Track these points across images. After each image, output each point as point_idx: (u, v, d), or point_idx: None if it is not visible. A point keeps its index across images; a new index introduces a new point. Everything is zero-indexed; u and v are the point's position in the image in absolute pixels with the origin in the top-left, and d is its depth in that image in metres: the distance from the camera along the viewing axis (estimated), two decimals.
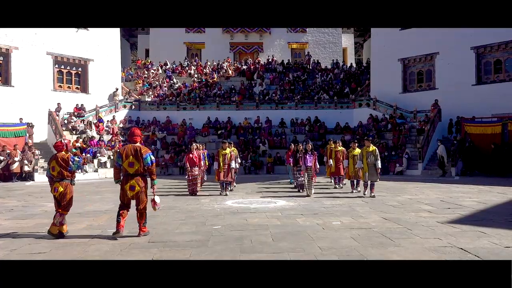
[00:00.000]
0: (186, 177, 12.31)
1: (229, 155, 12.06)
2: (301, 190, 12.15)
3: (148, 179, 6.50)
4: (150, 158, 6.36)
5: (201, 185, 13.48)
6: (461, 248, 5.47)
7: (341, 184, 13.52)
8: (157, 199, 6.57)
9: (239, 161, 14.71)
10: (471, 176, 17.35)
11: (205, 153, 14.75)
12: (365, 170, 11.09)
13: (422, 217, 7.96)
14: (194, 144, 12.87)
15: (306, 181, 11.42)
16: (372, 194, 10.99)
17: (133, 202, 6.50)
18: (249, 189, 13.67)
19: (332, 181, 14.17)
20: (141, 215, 6.44)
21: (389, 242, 5.90)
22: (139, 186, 6.30)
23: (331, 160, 13.39)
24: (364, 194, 11.34)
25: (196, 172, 12.13)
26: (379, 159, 11.21)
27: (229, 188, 12.54)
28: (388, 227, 6.98)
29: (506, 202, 10.01)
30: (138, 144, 6.44)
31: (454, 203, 9.70)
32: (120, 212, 6.38)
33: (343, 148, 13.57)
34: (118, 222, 6.37)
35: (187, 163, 12.23)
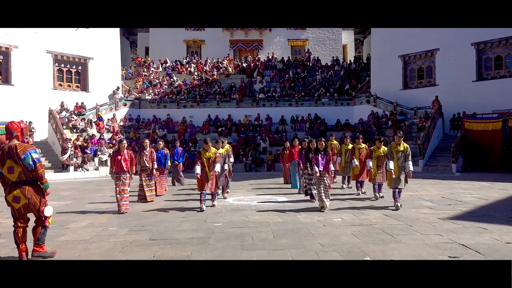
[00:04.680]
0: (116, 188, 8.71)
1: (214, 157, 9.00)
2: (313, 200, 9.48)
3: None
4: (32, 157, 4.85)
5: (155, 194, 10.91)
6: (462, 244, 5.47)
7: (363, 190, 11.13)
8: (47, 211, 5.06)
9: (232, 160, 11.30)
10: (472, 172, 17.34)
11: (179, 151, 13.37)
12: (396, 174, 8.63)
13: (423, 213, 7.96)
14: (123, 141, 9.05)
15: (320, 190, 8.61)
16: (397, 204, 8.61)
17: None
18: (249, 186, 13.67)
19: (353, 185, 11.99)
20: (35, 230, 5.08)
21: (390, 239, 5.90)
22: (25, 196, 4.87)
23: (355, 160, 11.09)
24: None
25: (127, 181, 8.77)
26: (411, 159, 8.69)
27: (216, 199, 9.61)
28: (389, 224, 6.99)
29: (507, 198, 10.01)
30: (15, 142, 4.94)
31: (455, 199, 9.70)
32: (16, 231, 4.98)
33: (366, 145, 11.42)
34: (17, 245, 5.01)
35: (113, 167, 8.82)
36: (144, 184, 10.10)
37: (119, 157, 8.73)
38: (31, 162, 4.84)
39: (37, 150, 5.15)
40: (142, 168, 10.02)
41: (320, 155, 8.66)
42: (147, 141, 10.46)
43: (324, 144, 8.80)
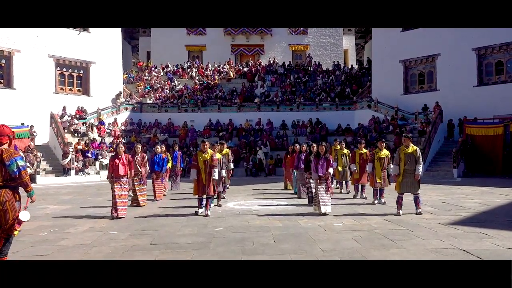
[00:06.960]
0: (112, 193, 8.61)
1: (211, 160, 8.51)
2: (314, 206, 9.05)
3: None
4: (17, 164, 4.65)
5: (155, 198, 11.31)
6: (463, 250, 5.46)
7: (364, 194, 11.27)
8: (23, 216, 4.82)
9: (232, 166, 11.82)
10: (473, 177, 17.30)
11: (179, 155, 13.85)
12: (399, 179, 8.36)
13: (424, 218, 7.94)
14: (120, 145, 9.17)
15: (319, 195, 8.50)
16: (419, 210, 8.38)
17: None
18: (250, 191, 13.66)
19: (352, 188, 12.00)
20: (3, 239, 4.71)
21: (391, 244, 5.89)
22: (0, 202, 4.61)
23: (354, 165, 11.22)
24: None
25: (126, 186, 8.77)
26: (422, 162, 8.31)
27: (212, 204, 9.41)
28: (390, 229, 6.97)
29: (508, 203, 9.98)
30: (4, 146, 4.77)
31: (456, 205, 9.68)
32: None
33: (367, 151, 11.48)
34: None
35: (111, 172, 8.67)
36: (136, 189, 10.15)
37: (117, 161, 8.65)
38: (15, 170, 4.63)
39: (24, 157, 4.91)
40: (134, 172, 9.98)
41: (321, 159, 8.64)
42: (139, 146, 10.73)
43: (324, 149, 8.72)
